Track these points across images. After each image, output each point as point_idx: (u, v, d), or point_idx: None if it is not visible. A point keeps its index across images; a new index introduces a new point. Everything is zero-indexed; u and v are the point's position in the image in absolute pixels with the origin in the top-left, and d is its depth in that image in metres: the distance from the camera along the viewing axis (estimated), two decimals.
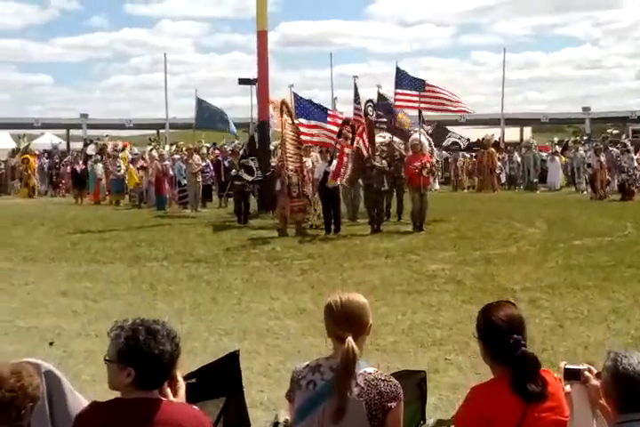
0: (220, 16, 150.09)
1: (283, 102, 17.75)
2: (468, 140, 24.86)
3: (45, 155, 34.67)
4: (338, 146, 17.34)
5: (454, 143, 22.09)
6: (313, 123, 17.48)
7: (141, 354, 2.93)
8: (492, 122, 42.67)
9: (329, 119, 17.68)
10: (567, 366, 3.37)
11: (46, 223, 19.66)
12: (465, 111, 20.87)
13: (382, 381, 3.30)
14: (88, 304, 9.84)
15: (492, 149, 31.43)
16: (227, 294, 10.41)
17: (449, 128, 24.78)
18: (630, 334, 7.96)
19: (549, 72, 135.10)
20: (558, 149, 33.95)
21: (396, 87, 18.98)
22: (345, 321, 3.35)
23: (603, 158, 26.04)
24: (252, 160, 20.49)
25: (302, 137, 17.40)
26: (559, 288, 10.30)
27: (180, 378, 3.25)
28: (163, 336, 2.98)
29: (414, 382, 4.55)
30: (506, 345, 3.28)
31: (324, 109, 18.28)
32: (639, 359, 3.00)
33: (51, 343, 7.86)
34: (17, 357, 7.47)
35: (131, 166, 27.56)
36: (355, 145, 17.12)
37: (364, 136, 17.33)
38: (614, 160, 26.14)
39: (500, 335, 3.31)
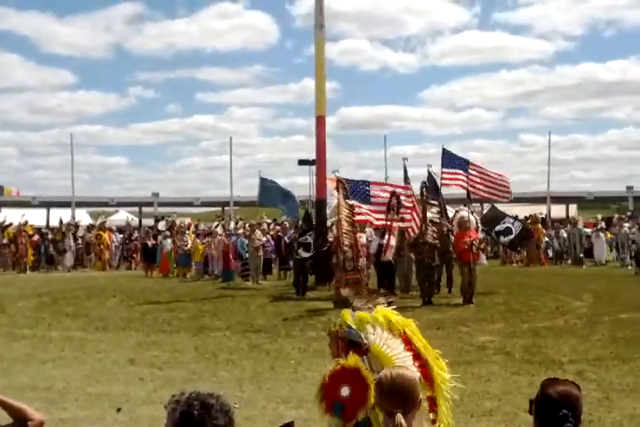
0: (284, 102, 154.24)
1: (339, 180, 17.97)
2: (522, 223, 23.55)
3: (118, 231, 35.32)
4: (388, 223, 17.43)
5: (507, 229, 21.23)
6: (360, 204, 17.82)
7: None
8: (538, 200, 42.36)
9: (372, 192, 18.00)
10: None
11: (117, 295, 19.86)
12: (505, 198, 20.74)
13: None
14: (154, 372, 9.89)
15: (539, 226, 31.15)
16: (284, 363, 10.38)
17: (497, 206, 24.23)
18: None
19: (594, 153, 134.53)
20: (603, 225, 33.48)
21: (443, 166, 19.30)
22: (395, 397, 3.21)
23: None
24: (310, 235, 20.60)
25: (356, 217, 17.60)
26: (605, 361, 10.05)
27: None
28: (217, 411, 2.94)
29: None
30: (555, 419, 3.10)
31: (367, 184, 18.56)
32: None
33: (118, 410, 7.89)
34: (87, 422, 7.54)
35: (197, 241, 27.91)
36: (399, 222, 17.32)
37: (417, 213, 17.47)
38: None
39: (551, 409, 3.13)
